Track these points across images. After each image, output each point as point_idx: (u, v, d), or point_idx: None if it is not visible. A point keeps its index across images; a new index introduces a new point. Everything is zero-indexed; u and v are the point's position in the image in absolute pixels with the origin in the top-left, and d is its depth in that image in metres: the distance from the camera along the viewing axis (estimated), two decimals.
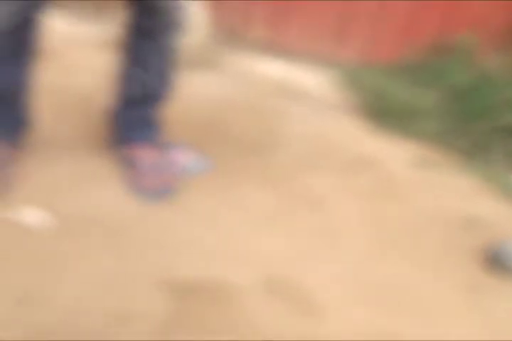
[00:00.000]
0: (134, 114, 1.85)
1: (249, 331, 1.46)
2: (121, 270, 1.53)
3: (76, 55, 2.41)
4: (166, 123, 1.93)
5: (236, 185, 1.94)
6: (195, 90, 2.34)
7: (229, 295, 1.54)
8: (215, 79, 2.53)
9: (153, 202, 1.77)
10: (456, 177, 2.25)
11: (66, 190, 1.73)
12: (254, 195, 1.92)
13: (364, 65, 2.77)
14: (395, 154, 2.29)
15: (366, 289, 1.67)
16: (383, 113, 2.47)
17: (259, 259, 1.68)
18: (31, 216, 1.62)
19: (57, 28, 2.19)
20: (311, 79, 2.70)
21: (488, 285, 1.78)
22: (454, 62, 2.75)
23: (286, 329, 1.49)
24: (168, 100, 1.87)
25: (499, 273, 1.81)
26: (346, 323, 1.54)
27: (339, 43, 2.83)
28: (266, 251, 1.71)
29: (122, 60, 1.81)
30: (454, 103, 2.55)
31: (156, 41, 1.75)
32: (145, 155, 1.85)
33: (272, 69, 2.70)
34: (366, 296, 1.64)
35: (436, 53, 2.83)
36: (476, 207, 2.10)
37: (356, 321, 1.56)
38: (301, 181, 2.04)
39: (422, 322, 1.61)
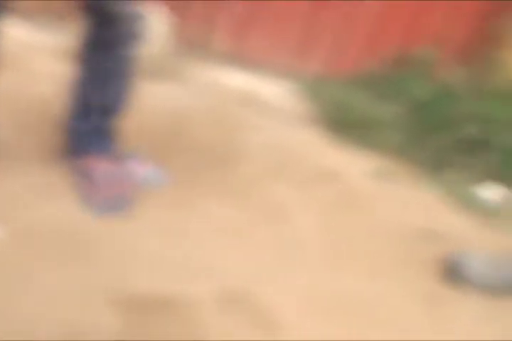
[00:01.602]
0: (90, 125, 1.83)
1: None
2: (76, 282, 1.50)
3: (34, 63, 2.38)
4: (123, 134, 1.90)
5: (196, 197, 1.92)
6: (156, 101, 2.32)
7: (183, 308, 1.52)
8: (176, 89, 2.52)
9: (109, 214, 1.74)
10: (416, 190, 2.27)
11: (19, 202, 1.69)
12: (214, 207, 1.91)
13: (327, 77, 2.78)
14: (355, 166, 2.29)
15: (323, 301, 1.66)
16: (345, 125, 2.48)
17: (216, 272, 1.66)
18: None
19: (16, 36, 2.16)
20: (274, 91, 2.70)
21: (446, 296, 1.79)
22: (415, 75, 2.78)
23: None
24: (126, 111, 1.85)
25: (457, 284, 1.82)
26: (301, 336, 1.53)
27: (303, 55, 2.84)
28: (224, 263, 1.70)
29: (79, 69, 1.79)
30: (414, 115, 2.58)
31: (113, 51, 1.73)
32: (101, 166, 1.82)
33: (235, 80, 2.70)
34: (323, 308, 1.64)
35: (398, 66, 2.86)
36: (434, 219, 2.12)
37: (312, 333, 1.54)
38: (263, 193, 2.03)
39: (379, 333, 1.60)
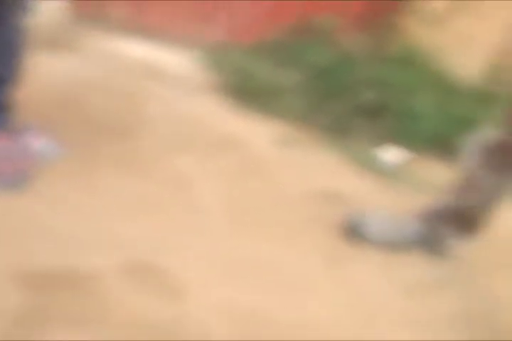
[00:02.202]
0: None
1: (110, 317, 1.43)
2: None
3: None
4: (18, 106, 1.84)
5: (97, 170, 1.89)
6: (53, 72, 2.25)
7: (87, 281, 1.50)
8: (75, 61, 2.45)
9: (6, 190, 1.69)
10: (318, 155, 2.31)
11: None
12: (116, 179, 1.88)
13: (228, 45, 2.77)
14: (259, 133, 2.31)
15: (229, 267, 1.67)
16: (247, 93, 2.49)
17: (120, 244, 1.64)
18: None
19: None
20: (175, 60, 2.68)
21: (347, 254, 1.84)
22: (316, 43, 2.82)
23: (147, 312, 1.47)
24: (18, 83, 1.79)
25: (358, 243, 1.88)
26: (208, 302, 1.54)
27: (203, 23, 2.81)
28: (128, 235, 1.68)
29: None
30: (315, 82, 2.62)
31: (4, 21, 1.66)
32: None
33: (135, 50, 2.65)
34: (229, 275, 1.65)
35: (299, 34, 2.88)
36: (336, 181, 2.17)
37: (219, 300, 1.56)
38: (166, 163, 2.02)
39: (285, 297, 1.63)
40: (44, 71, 2.03)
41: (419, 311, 1.70)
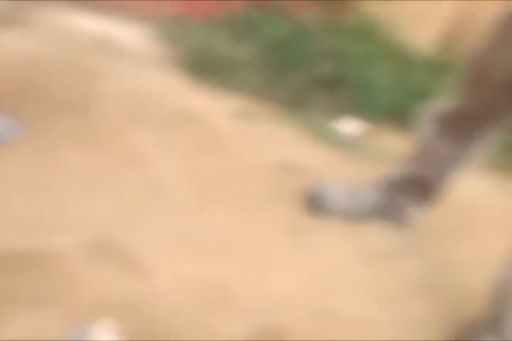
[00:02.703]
0: None
1: (75, 296, 1.43)
2: None
3: None
4: None
5: (53, 148, 1.86)
6: (4, 48, 2.20)
7: (49, 261, 1.49)
8: (26, 36, 2.38)
9: None
10: (276, 128, 2.31)
11: None
12: (73, 157, 1.85)
13: (183, 20, 2.73)
14: (215, 108, 2.30)
15: (193, 243, 1.68)
16: (203, 67, 2.47)
17: (81, 223, 1.63)
18: None
19: None
20: (129, 35, 2.63)
21: (308, 225, 1.86)
22: (272, 16, 2.80)
23: (113, 290, 1.48)
24: None
25: (318, 214, 1.91)
26: (173, 278, 1.55)
27: None
28: (88, 214, 1.67)
29: None
30: (272, 55, 2.61)
31: None
32: None
33: (89, 25, 2.59)
34: (193, 250, 1.66)
35: (254, 7, 2.86)
36: (295, 154, 2.18)
37: (184, 276, 1.57)
38: (123, 140, 2.00)
39: (249, 270, 1.65)
40: None
41: (380, 279, 1.75)
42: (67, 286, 1.45)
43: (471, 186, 2.09)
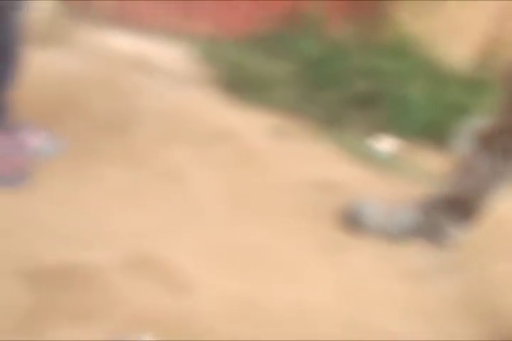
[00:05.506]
0: None
1: (115, 312, 1.44)
2: None
3: None
4: (13, 104, 1.83)
5: (93, 165, 1.89)
6: (45, 68, 2.24)
7: (91, 277, 1.51)
8: (65, 55, 2.44)
9: (4, 188, 1.69)
10: (312, 145, 2.32)
11: None
12: (112, 174, 1.88)
13: (217, 38, 2.77)
14: (251, 125, 2.32)
15: (230, 259, 1.69)
16: (238, 85, 2.49)
17: (121, 238, 1.65)
18: None
19: None
20: (165, 54, 2.67)
21: (345, 244, 1.85)
22: (306, 34, 2.82)
23: (153, 306, 1.49)
24: (15, 80, 1.78)
25: (355, 232, 1.90)
26: (213, 294, 1.55)
27: (191, 16, 2.81)
28: (128, 229, 1.69)
29: None
30: (307, 73, 2.62)
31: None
32: None
33: (125, 44, 2.64)
34: (231, 266, 1.66)
35: (288, 25, 2.88)
36: (331, 171, 2.18)
37: (223, 291, 1.57)
38: (161, 156, 2.03)
39: (287, 286, 1.65)
40: (38, 67, 2.01)
41: (417, 297, 1.73)
42: (108, 301, 1.47)
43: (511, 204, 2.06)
